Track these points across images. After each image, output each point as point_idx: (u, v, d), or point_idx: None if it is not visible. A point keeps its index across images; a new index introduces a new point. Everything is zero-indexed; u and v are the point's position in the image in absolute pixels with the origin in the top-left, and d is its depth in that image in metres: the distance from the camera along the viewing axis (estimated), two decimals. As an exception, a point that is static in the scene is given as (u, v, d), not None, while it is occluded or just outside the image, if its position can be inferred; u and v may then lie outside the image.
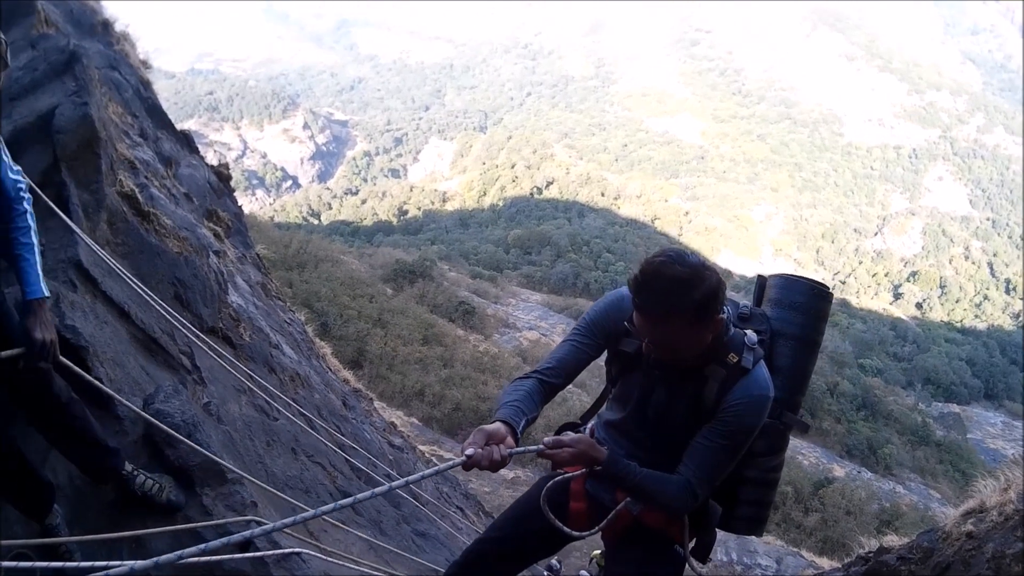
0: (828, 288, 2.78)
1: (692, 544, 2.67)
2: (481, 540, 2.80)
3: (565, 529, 2.55)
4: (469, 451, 2.07)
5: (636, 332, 2.25)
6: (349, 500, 1.94)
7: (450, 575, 2.76)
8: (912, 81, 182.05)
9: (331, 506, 1.86)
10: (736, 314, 2.60)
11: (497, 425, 2.17)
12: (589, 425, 2.80)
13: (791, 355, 2.63)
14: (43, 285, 2.42)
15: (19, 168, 2.52)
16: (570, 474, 2.62)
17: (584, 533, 2.60)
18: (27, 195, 2.49)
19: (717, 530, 2.74)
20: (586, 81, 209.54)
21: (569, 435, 2.35)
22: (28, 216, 2.47)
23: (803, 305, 2.67)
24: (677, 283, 2.10)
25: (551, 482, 2.61)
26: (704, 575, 2.76)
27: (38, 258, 2.46)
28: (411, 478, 2.10)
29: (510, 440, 2.15)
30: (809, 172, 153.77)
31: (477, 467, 2.08)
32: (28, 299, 2.36)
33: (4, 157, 2.42)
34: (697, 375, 2.35)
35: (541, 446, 2.28)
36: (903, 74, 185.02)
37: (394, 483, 2.03)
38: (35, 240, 2.47)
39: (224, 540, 1.59)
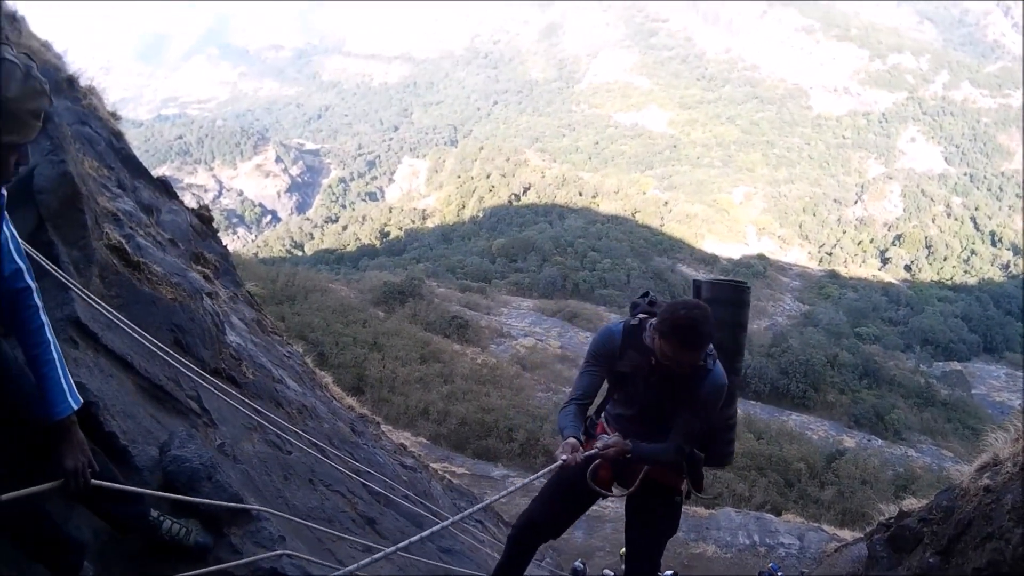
0: (744, 283, 4.00)
1: (687, 484, 3.79)
2: (532, 512, 3.72)
3: (608, 492, 3.66)
4: (564, 457, 3.22)
5: (666, 356, 3.20)
6: (421, 536, 1.95)
7: (516, 538, 3.69)
8: (872, 46, 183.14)
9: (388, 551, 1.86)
10: None
11: (573, 440, 3.34)
12: (603, 416, 3.87)
13: (726, 337, 3.78)
14: (70, 397, 2.22)
15: (20, 244, 2.22)
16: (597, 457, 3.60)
17: (620, 493, 3.72)
18: (34, 283, 2.22)
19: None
20: (550, 84, 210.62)
21: (607, 438, 3.54)
22: (38, 312, 2.20)
23: (726, 299, 3.86)
24: (705, 324, 3.11)
25: (591, 466, 3.54)
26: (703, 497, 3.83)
27: (57, 359, 2.22)
28: (491, 499, 2.88)
29: (581, 450, 3.34)
30: (782, 148, 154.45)
31: (567, 467, 3.24)
32: (55, 420, 2.18)
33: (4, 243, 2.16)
34: (680, 379, 3.34)
35: (596, 449, 3.46)
36: (862, 40, 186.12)
37: (472, 508, 2.43)
38: (51, 338, 2.22)
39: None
